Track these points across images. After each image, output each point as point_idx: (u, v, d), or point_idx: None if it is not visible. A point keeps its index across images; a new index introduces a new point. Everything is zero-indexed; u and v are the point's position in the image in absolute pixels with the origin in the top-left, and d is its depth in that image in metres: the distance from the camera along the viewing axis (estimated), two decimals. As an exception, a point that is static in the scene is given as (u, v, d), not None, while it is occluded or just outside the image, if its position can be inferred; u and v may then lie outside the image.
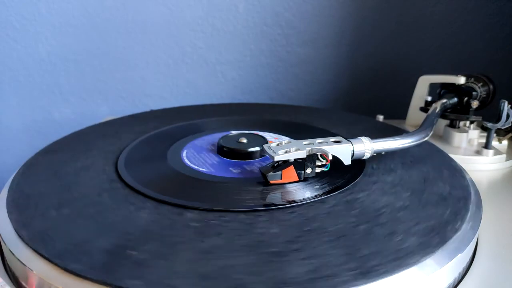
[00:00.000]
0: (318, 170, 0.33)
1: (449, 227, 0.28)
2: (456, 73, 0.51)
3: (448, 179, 0.35)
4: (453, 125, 0.50)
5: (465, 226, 0.28)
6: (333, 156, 0.33)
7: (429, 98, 0.53)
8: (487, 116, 0.47)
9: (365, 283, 0.22)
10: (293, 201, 0.30)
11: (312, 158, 0.33)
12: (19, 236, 0.27)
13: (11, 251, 0.26)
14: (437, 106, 0.46)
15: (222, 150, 0.39)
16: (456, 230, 0.27)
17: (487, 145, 0.46)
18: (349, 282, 0.22)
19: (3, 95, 0.69)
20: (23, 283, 0.26)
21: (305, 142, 0.33)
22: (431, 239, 0.26)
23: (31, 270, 0.24)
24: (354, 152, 0.34)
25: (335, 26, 0.69)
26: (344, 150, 0.33)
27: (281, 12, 0.68)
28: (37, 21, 0.65)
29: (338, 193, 0.32)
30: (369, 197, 0.31)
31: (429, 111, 0.45)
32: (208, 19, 0.68)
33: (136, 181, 0.33)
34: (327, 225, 0.28)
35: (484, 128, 0.46)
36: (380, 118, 0.57)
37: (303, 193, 0.32)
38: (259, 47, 0.70)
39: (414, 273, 0.24)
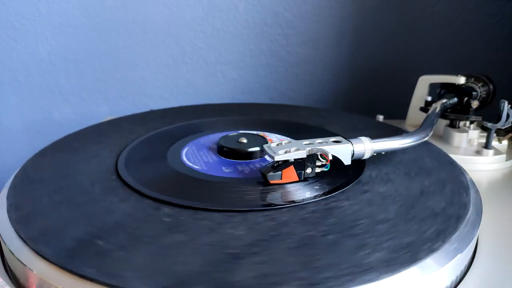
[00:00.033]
0: (318, 170, 0.33)
1: (438, 237, 0.27)
2: (456, 73, 0.51)
3: (449, 195, 0.32)
4: (453, 125, 0.50)
5: (465, 227, 0.28)
6: (333, 156, 0.33)
7: (429, 98, 0.53)
8: (487, 116, 0.47)
9: None
10: (270, 205, 0.30)
11: (312, 158, 0.33)
12: (19, 236, 0.27)
13: (11, 251, 0.26)
14: (437, 106, 0.46)
15: (222, 150, 0.39)
16: (455, 231, 0.27)
17: (487, 145, 0.46)
18: None
19: (3, 95, 0.69)
20: (23, 283, 0.26)
21: (305, 142, 0.33)
22: (399, 256, 0.24)
23: (31, 270, 0.24)
24: (354, 152, 0.34)
25: (335, 26, 0.69)
26: (344, 150, 0.33)
27: (281, 12, 0.68)
28: (37, 21, 0.65)
29: (322, 199, 0.31)
30: (351, 206, 0.30)
31: (429, 111, 0.45)
32: (208, 19, 0.68)
33: (136, 181, 0.33)
34: (296, 231, 0.27)
35: (484, 128, 0.46)
36: (380, 118, 0.57)
37: (287, 196, 0.31)
38: (259, 47, 0.70)
39: (414, 273, 0.24)
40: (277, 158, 0.32)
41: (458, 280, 0.27)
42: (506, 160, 0.45)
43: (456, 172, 0.36)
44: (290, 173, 0.33)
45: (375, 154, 0.35)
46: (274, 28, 0.69)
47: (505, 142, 0.48)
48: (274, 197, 0.31)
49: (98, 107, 0.71)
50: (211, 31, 0.68)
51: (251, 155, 0.38)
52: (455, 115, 0.49)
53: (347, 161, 0.34)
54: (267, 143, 0.38)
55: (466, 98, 0.49)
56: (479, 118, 0.48)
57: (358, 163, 0.36)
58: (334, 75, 0.72)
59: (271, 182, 0.33)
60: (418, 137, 0.38)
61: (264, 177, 0.33)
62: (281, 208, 0.30)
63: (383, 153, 0.37)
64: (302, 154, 0.32)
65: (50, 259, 0.24)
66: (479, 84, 0.51)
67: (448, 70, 0.59)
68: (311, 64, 0.71)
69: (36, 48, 0.67)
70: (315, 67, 0.71)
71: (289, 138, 0.41)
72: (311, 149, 0.32)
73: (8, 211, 0.30)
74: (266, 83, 0.72)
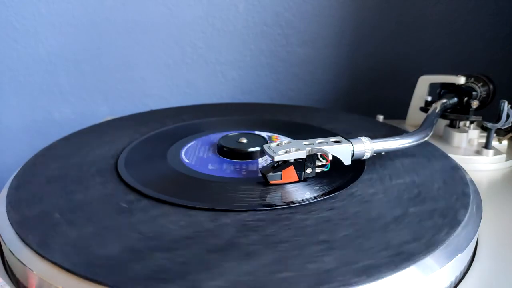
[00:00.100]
0: (318, 170, 0.33)
1: (440, 234, 0.27)
2: (456, 73, 0.51)
3: (449, 195, 0.32)
4: (453, 125, 0.50)
5: (465, 227, 0.28)
6: (333, 156, 0.33)
7: (429, 98, 0.53)
8: (487, 116, 0.47)
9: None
10: (270, 205, 0.30)
11: (312, 158, 0.33)
12: (19, 236, 0.27)
13: (11, 251, 0.26)
14: (437, 106, 0.46)
15: (222, 150, 0.39)
16: (455, 231, 0.27)
17: (487, 145, 0.46)
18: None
19: (3, 95, 0.69)
20: (23, 283, 0.26)
21: (305, 142, 0.33)
22: (399, 256, 0.24)
23: (31, 270, 0.24)
24: (354, 152, 0.34)
25: (335, 26, 0.69)
26: (344, 150, 0.33)
27: (281, 12, 0.68)
28: (37, 21, 0.65)
29: (322, 199, 0.31)
30: (351, 206, 0.30)
31: (429, 111, 0.45)
32: (208, 19, 0.68)
33: (136, 181, 0.33)
34: (297, 231, 0.27)
35: (484, 128, 0.46)
36: (380, 118, 0.57)
37: (264, 200, 0.31)
38: (259, 47, 0.70)
39: (414, 273, 0.24)
40: (277, 158, 0.32)
41: (458, 280, 0.27)
42: (506, 160, 0.45)
43: (456, 172, 0.36)
44: (290, 173, 0.33)
45: (375, 154, 0.35)
46: (274, 28, 0.69)
47: (505, 142, 0.48)
48: (274, 197, 0.31)
49: (98, 107, 0.71)
50: (211, 31, 0.68)
51: (251, 155, 0.38)
52: (455, 115, 0.49)
53: (347, 161, 0.34)
54: (267, 143, 0.38)
55: (466, 98, 0.49)
56: (479, 118, 0.48)
57: (358, 163, 0.36)
58: (334, 75, 0.72)
59: (271, 182, 0.33)
60: (418, 137, 0.38)
61: (264, 177, 0.33)
62: (253, 210, 0.29)
63: (383, 153, 0.37)
64: (302, 154, 0.32)
65: (50, 259, 0.24)
66: (479, 84, 0.51)
67: (448, 70, 0.59)
68: (311, 64, 0.71)
69: (36, 48, 0.67)
70: (315, 67, 0.71)
71: (289, 138, 0.41)
72: (311, 149, 0.32)
73: (8, 211, 0.30)
74: (266, 83, 0.72)
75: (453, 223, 0.28)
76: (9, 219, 0.29)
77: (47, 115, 0.71)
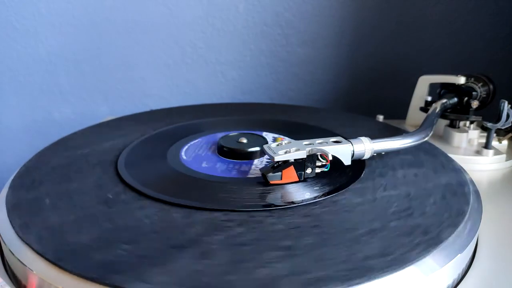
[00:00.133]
0: (318, 170, 0.33)
1: (446, 230, 0.27)
2: (456, 73, 0.51)
3: (449, 195, 0.32)
4: (453, 125, 0.50)
5: (465, 227, 0.28)
6: (333, 157, 0.33)
7: (429, 98, 0.53)
8: (487, 116, 0.47)
9: None
10: (270, 205, 0.30)
11: (312, 158, 0.33)
12: (19, 236, 0.27)
13: (11, 251, 0.26)
14: (437, 106, 0.46)
15: (222, 150, 0.39)
16: (455, 231, 0.27)
17: (487, 145, 0.46)
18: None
19: (3, 95, 0.69)
20: (23, 283, 0.26)
21: (305, 142, 0.33)
22: (399, 256, 0.24)
23: (31, 270, 0.24)
24: (354, 152, 0.34)
25: (335, 26, 0.69)
26: (344, 150, 0.33)
27: (281, 12, 0.68)
28: (37, 21, 0.65)
29: (322, 199, 0.30)
30: (351, 206, 0.30)
31: (429, 111, 0.45)
32: (208, 19, 0.68)
33: (136, 181, 0.33)
34: (297, 231, 0.27)
35: (484, 128, 0.46)
36: (380, 118, 0.57)
37: (243, 201, 0.31)
38: (259, 47, 0.70)
39: (414, 273, 0.24)
40: (277, 159, 0.32)
41: (458, 280, 0.27)
42: (506, 160, 0.45)
43: (456, 172, 0.36)
44: (290, 174, 0.33)
45: (375, 154, 0.35)
46: (274, 28, 0.69)
47: (505, 142, 0.48)
48: (254, 199, 0.31)
49: (98, 107, 0.71)
50: (211, 31, 0.68)
51: (251, 155, 0.38)
52: (455, 115, 0.49)
53: (347, 161, 0.34)
54: (267, 143, 0.38)
55: (466, 98, 0.49)
56: (479, 118, 0.48)
57: (358, 163, 0.36)
58: (334, 75, 0.72)
59: (271, 182, 0.33)
60: (418, 137, 0.38)
61: (264, 177, 0.33)
62: (239, 211, 0.29)
63: (383, 153, 0.37)
64: (302, 154, 0.32)
65: (50, 259, 0.24)
66: (479, 84, 0.51)
67: (448, 70, 0.59)
68: (311, 64, 0.71)
69: (36, 48, 0.67)
70: (315, 67, 0.71)
71: (289, 138, 0.41)
72: (311, 149, 0.32)
73: (8, 211, 0.30)
74: (266, 83, 0.72)
75: (453, 223, 0.28)
76: (9, 219, 0.29)
77: (47, 115, 0.71)
